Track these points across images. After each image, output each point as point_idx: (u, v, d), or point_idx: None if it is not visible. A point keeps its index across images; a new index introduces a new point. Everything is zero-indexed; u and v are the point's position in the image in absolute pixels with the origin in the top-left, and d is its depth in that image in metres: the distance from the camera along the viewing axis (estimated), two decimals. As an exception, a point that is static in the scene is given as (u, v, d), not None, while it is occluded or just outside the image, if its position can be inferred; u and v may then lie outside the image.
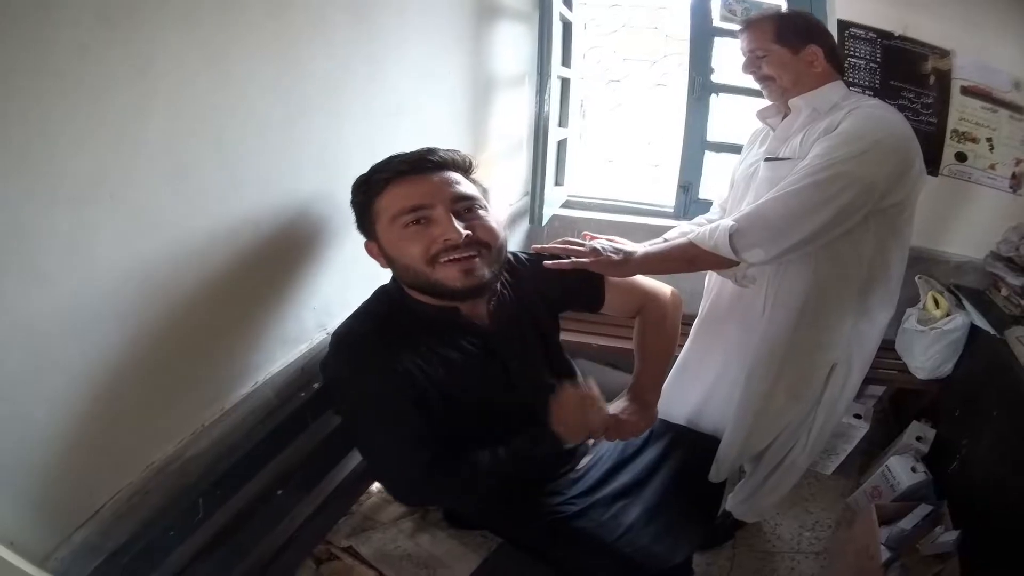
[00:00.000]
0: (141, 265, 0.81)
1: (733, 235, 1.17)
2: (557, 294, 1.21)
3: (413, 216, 0.96)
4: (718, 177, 2.25)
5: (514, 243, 2.26)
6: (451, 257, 0.96)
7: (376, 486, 1.30)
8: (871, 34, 1.97)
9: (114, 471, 0.83)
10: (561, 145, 2.38)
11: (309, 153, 1.09)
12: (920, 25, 1.90)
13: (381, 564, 1.12)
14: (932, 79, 1.94)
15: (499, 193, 2.06)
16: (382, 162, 1.01)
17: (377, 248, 1.03)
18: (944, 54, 1.89)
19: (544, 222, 2.22)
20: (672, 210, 2.42)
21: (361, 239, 1.07)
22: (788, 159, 1.24)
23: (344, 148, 1.17)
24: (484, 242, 1.00)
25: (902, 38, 1.93)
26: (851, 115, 1.17)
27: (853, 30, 1.97)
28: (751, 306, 1.39)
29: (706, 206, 1.70)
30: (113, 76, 0.74)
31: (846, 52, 1.97)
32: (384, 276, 1.08)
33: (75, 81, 0.70)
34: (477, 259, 0.99)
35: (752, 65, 1.31)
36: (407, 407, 0.99)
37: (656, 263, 1.26)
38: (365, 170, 1.02)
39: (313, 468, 1.11)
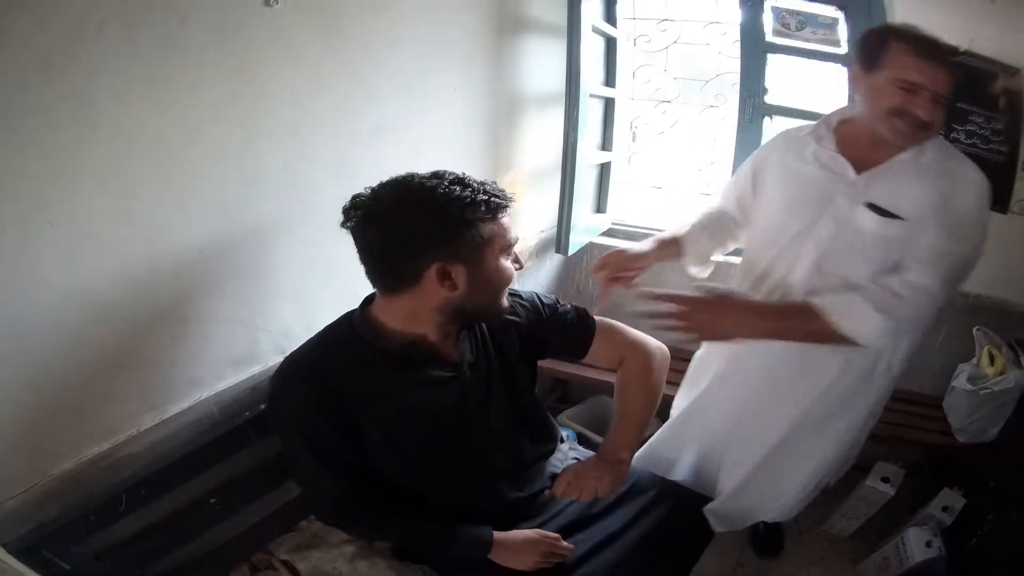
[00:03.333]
0: (82, 284, 0.89)
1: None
2: (540, 338, 1.18)
3: (512, 247, 1.02)
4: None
5: (543, 273, 2.19)
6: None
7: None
8: (935, 49, 1.77)
9: (50, 457, 0.92)
10: (604, 169, 2.26)
11: (270, 176, 1.11)
12: (988, 39, 1.66)
13: (312, 582, 1.14)
14: (1002, 101, 1.70)
15: (528, 219, 2.00)
16: (482, 188, 0.96)
17: (455, 272, 0.96)
18: (1014, 72, 1.65)
19: (571, 252, 2.04)
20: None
21: (328, 261, 1.17)
22: (902, 219, 1.12)
23: (312, 169, 1.19)
24: None
25: (968, 54, 1.70)
26: (962, 187, 1.10)
27: (916, 44, 1.77)
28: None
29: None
30: (52, 113, 0.80)
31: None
32: (355, 301, 1.07)
33: (16, 119, 0.77)
34: None
35: (929, 110, 1.06)
36: (332, 440, 1.00)
37: (761, 334, 1.15)
38: (342, 191, 0.97)
39: (255, 483, 1.15)
